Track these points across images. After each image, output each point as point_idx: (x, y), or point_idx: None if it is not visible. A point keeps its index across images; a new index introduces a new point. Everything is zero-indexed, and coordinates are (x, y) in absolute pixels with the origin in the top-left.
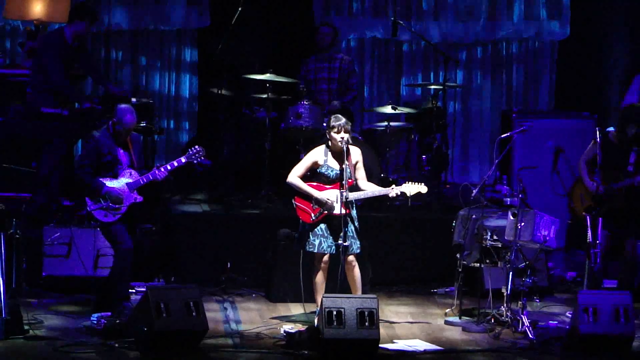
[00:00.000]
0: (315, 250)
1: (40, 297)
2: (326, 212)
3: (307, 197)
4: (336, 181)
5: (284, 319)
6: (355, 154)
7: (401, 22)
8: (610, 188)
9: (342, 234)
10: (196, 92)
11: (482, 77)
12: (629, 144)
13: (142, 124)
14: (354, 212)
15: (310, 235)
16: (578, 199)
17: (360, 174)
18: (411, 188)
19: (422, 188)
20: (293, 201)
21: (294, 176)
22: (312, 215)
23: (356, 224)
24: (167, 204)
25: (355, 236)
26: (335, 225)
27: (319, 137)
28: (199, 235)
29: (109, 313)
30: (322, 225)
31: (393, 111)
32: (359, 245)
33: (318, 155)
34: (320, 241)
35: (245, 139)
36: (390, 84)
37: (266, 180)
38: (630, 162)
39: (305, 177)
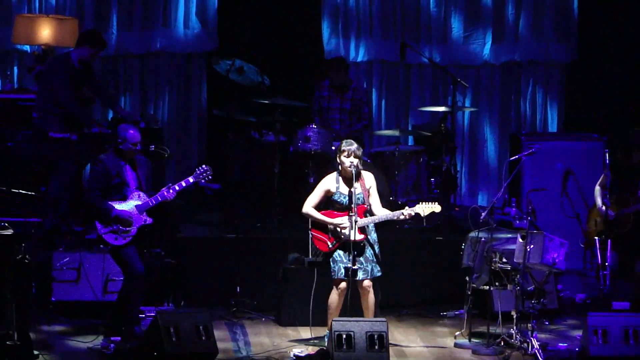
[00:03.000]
0: (335, 277)
1: (50, 322)
2: (341, 239)
3: (323, 226)
4: (349, 208)
5: (294, 342)
6: (369, 179)
7: (409, 44)
8: (619, 213)
9: (351, 258)
10: (205, 116)
11: (491, 99)
12: (637, 168)
13: (151, 148)
14: (373, 236)
15: (331, 262)
16: (593, 223)
17: (374, 200)
18: (425, 208)
19: (436, 207)
20: (309, 232)
21: (309, 206)
22: (329, 243)
23: (376, 248)
24: (176, 227)
25: (374, 260)
26: (355, 251)
27: (327, 160)
28: (208, 258)
29: (119, 337)
30: (340, 252)
31: (401, 134)
32: (379, 269)
33: (330, 183)
34: (339, 267)
35: (254, 163)
36: (399, 107)
37: (275, 204)
38: None
39: (321, 206)
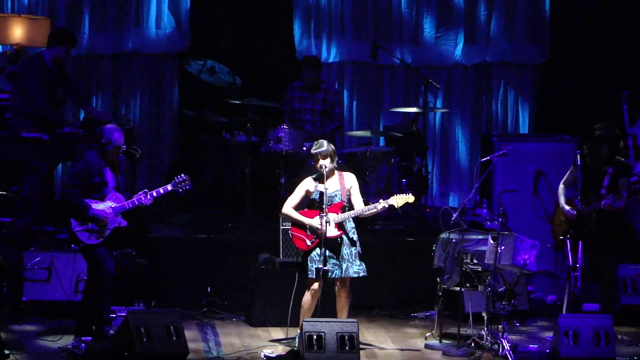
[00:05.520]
0: (313, 276)
1: (21, 321)
2: (320, 236)
3: (302, 225)
4: (328, 205)
5: (265, 343)
6: (349, 179)
7: (381, 45)
8: (581, 212)
9: (321, 258)
10: (177, 116)
11: (462, 100)
12: (602, 165)
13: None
14: (353, 236)
15: (309, 262)
16: (558, 223)
17: (356, 200)
18: (398, 200)
19: (410, 198)
20: (289, 232)
21: (288, 207)
22: (307, 241)
23: (355, 247)
24: (148, 228)
25: (351, 259)
26: (331, 249)
27: (298, 161)
28: (179, 259)
29: (90, 337)
30: (318, 251)
31: (373, 135)
32: (355, 270)
33: (309, 183)
34: (318, 267)
35: (225, 163)
36: (371, 108)
37: (247, 204)
38: (604, 185)
39: (302, 206)
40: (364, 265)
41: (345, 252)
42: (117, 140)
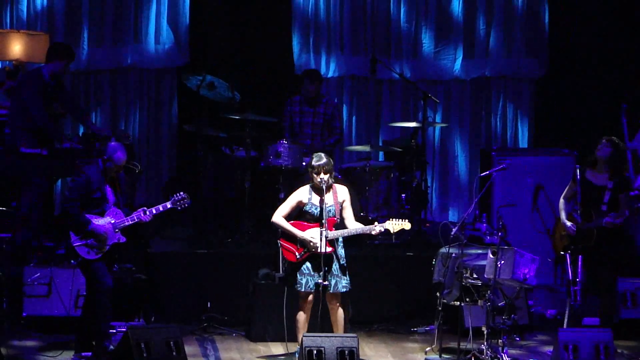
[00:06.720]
0: (303, 289)
1: (21, 337)
2: (310, 251)
3: (292, 236)
4: (320, 219)
5: (265, 358)
6: (342, 192)
7: (380, 60)
8: (581, 228)
9: (322, 273)
10: (176, 131)
11: (461, 115)
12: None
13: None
14: (340, 251)
15: (298, 275)
16: (558, 237)
17: (347, 213)
18: (394, 225)
19: (406, 225)
20: (278, 241)
21: (279, 216)
22: (297, 254)
23: (342, 262)
24: (147, 243)
25: (340, 274)
26: (320, 263)
27: (298, 176)
28: (179, 274)
29: (90, 353)
30: (308, 264)
31: (372, 149)
32: (344, 284)
33: (302, 194)
34: (307, 280)
35: (225, 178)
36: (370, 123)
37: (246, 219)
38: (604, 202)
39: (292, 216)
40: (349, 278)
41: (334, 268)
42: (119, 159)
